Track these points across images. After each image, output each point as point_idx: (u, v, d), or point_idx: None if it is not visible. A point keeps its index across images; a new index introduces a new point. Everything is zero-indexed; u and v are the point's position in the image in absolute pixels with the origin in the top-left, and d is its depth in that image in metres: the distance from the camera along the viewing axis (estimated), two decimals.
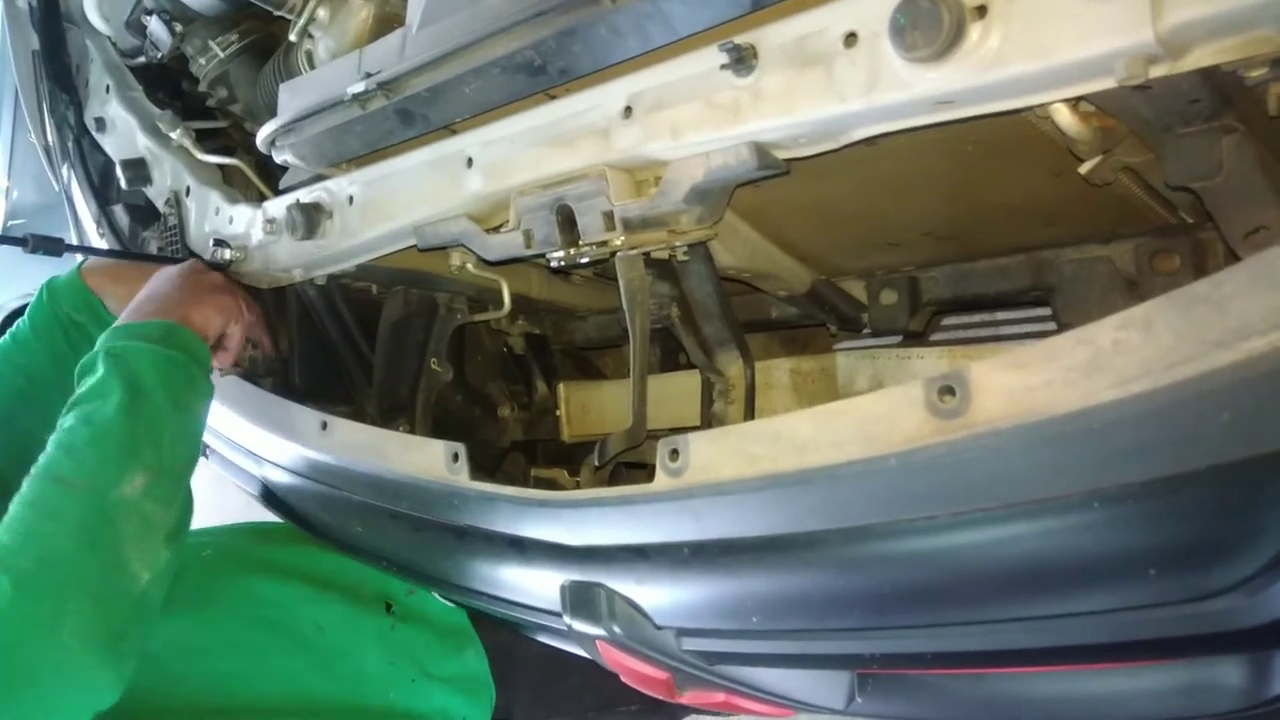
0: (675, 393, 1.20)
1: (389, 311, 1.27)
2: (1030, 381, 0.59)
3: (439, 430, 1.38)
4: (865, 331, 1.22)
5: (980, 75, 0.62)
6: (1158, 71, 0.58)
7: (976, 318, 1.25)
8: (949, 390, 0.62)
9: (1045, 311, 1.15)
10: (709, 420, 1.08)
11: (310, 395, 1.30)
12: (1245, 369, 0.52)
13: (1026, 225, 1.03)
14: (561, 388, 1.44)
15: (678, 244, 0.88)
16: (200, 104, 1.43)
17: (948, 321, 1.30)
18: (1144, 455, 0.56)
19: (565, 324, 1.51)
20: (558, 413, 1.44)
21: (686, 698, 0.94)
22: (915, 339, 1.21)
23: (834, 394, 1.12)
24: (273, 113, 1.08)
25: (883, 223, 1.06)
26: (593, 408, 1.43)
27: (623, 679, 0.93)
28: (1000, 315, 1.21)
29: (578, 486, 1.31)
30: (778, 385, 1.17)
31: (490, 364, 1.44)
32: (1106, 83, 0.59)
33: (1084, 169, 0.78)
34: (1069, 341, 0.58)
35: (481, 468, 1.45)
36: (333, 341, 1.29)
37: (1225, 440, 0.54)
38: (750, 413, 1.07)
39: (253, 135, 1.14)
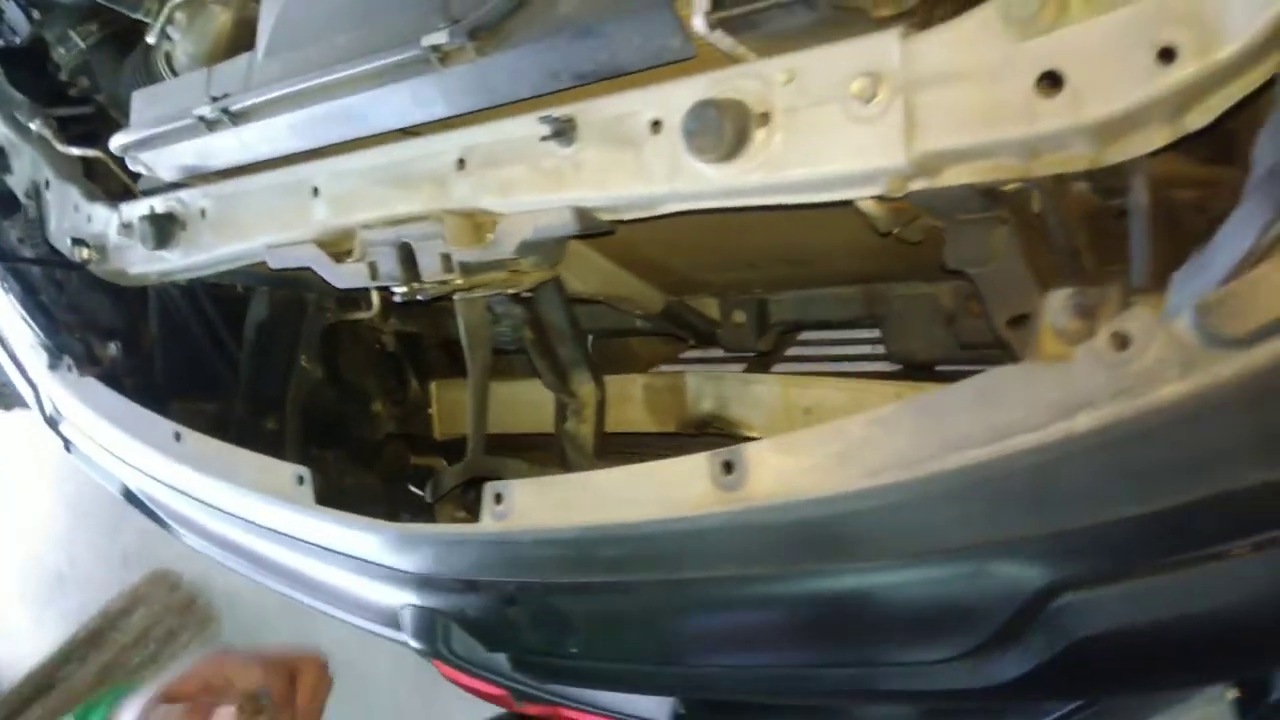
0: (535, 399, 1.24)
1: (255, 312, 1.28)
2: (798, 464, 0.65)
3: (311, 425, 1.40)
4: None
5: (764, 176, 0.66)
6: (917, 186, 0.63)
7: (822, 336, 1.31)
8: (729, 466, 0.68)
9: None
10: (567, 439, 1.12)
11: (175, 393, 1.31)
12: (966, 474, 0.58)
13: (860, 261, 1.09)
14: (434, 386, 1.47)
15: (519, 286, 0.92)
16: (66, 87, 1.39)
17: (803, 336, 1.36)
18: (883, 538, 0.63)
19: (442, 320, 1.53)
20: (430, 410, 1.47)
21: (525, 709, 1.00)
22: (764, 356, 1.27)
23: (682, 410, 1.18)
24: None
25: (731, 251, 1.11)
26: (464, 407, 1.46)
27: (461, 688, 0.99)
28: (842, 335, 1.28)
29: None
30: (632, 399, 1.22)
31: (363, 360, 1.46)
32: (875, 190, 0.64)
33: (893, 230, 0.84)
34: (830, 431, 0.64)
35: (358, 460, 1.49)
36: (198, 339, 1.30)
37: (950, 531, 0.60)
38: (600, 431, 1.12)
39: (118, 125, 1.13)
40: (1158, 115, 0.54)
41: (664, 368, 1.42)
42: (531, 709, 1.00)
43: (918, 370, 1.16)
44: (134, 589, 3.60)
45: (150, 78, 1.16)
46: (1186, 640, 0.55)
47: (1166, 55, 0.51)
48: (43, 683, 3.37)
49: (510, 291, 0.94)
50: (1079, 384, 0.53)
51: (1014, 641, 0.60)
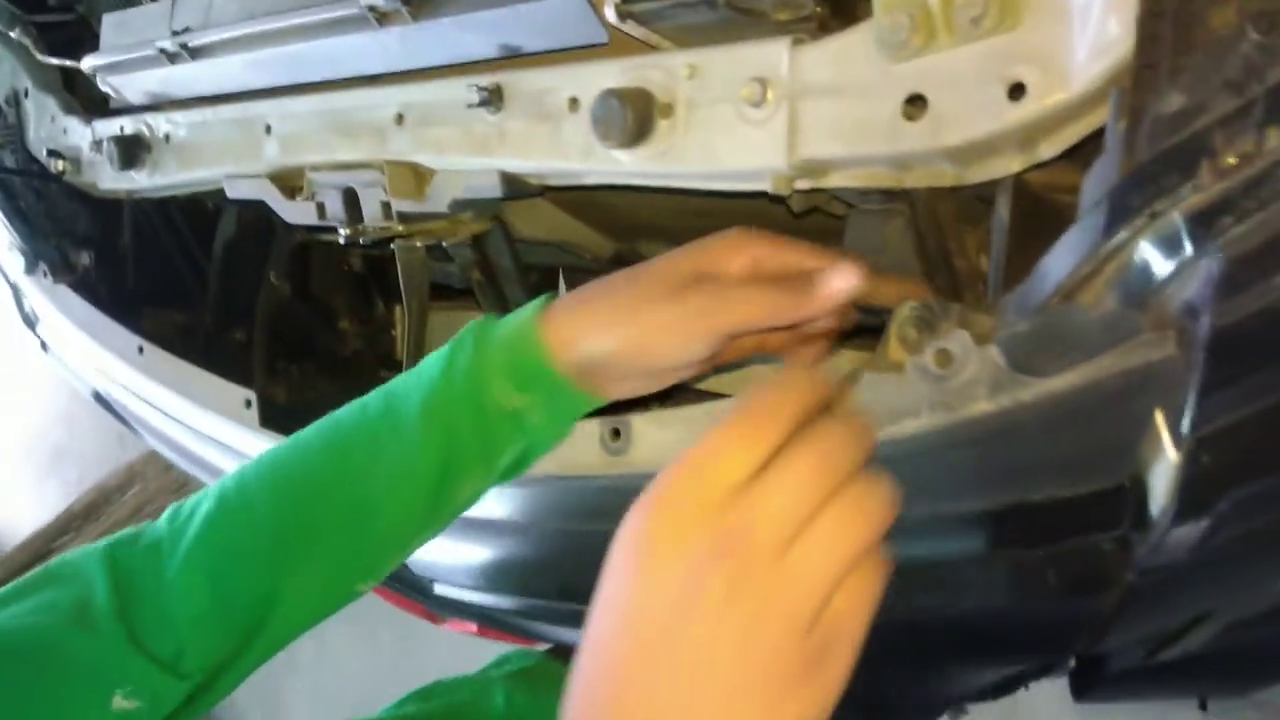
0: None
1: (223, 230, 1.32)
2: (668, 438, 0.71)
3: (278, 338, 1.46)
4: None
5: (666, 164, 0.70)
6: (803, 185, 0.67)
7: None
8: (616, 433, 0.74)
9: None
10: None
11: (147, 302, 1.37)
12: None
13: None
14: (399, 309, 1.52)
15: (457, 236, 0.96)
16: None
17: None
18: None
19: None
20: (394, 332, 1.52)
21: (448, 624, 1.08)
22: None
23: None
24: None
25: (678, 201, 1.14)
26: (433, 334, 1.51)
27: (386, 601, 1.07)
28: None
29: None
30: None
31: (331, 279, 1.50)
32: (764, 187, 0.68)
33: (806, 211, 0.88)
34: (702, 410, 0.70)
35: (329, 373, 1.55)
36: (170, 252, 1.35)
37: None
38: None
39: (98, 37, 1.16)
40: (1010, 144, 0.58)
41: None
42: (458, 626, 1.08)
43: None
44: (129, 466, 3.73)
45: None
46: (973, 631, 0.61)
47: (1017, 91, 0.55)
48: (39, 550, 3.53)
49: (450, 241, 0.98)
50: (908, 393, 0.58)
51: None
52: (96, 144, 1.17)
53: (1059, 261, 0.52)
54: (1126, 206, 0.48)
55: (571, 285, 1.48)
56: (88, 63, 1.09)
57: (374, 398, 0.69)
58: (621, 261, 1.26)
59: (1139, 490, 0.52)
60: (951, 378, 0.56)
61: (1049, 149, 0.58)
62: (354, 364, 1.55)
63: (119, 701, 0.58)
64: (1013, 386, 0.54)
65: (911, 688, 0.77)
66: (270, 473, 0.67)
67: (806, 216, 0.84)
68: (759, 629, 0.40)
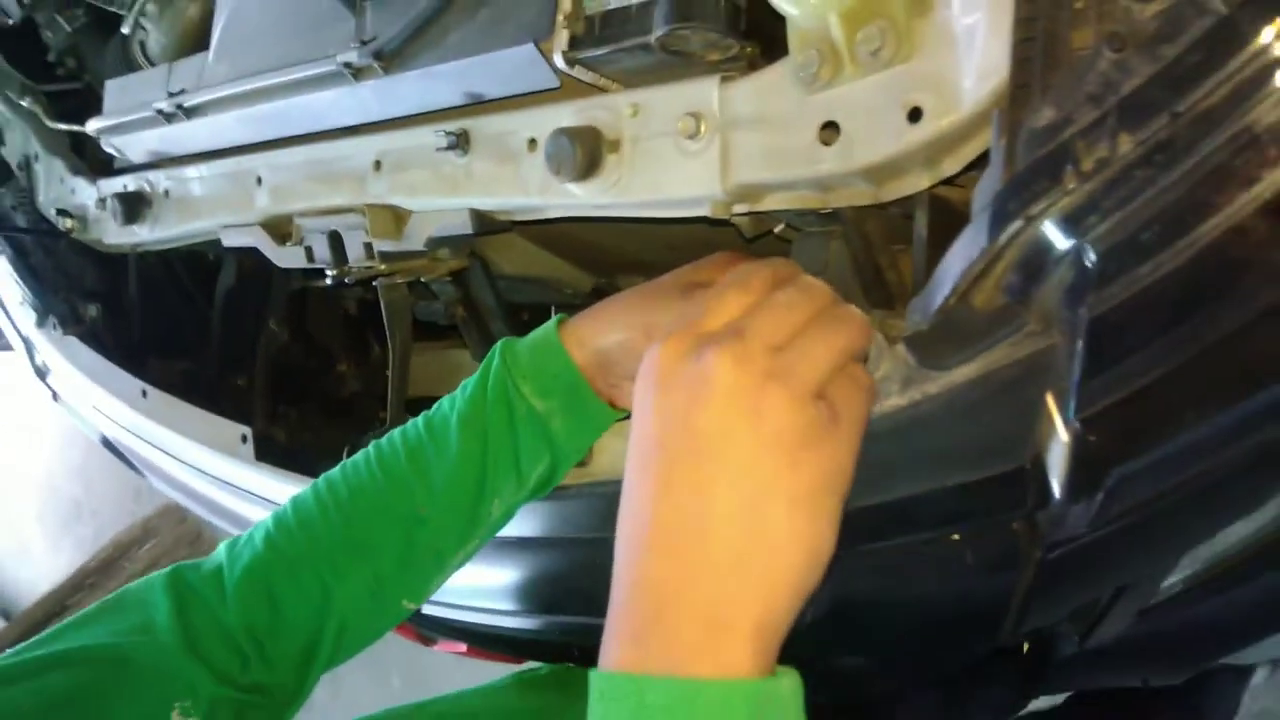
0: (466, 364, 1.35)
1: (224, 279, 1.39)
2: (620, 448, 0.76)
3: (279, 383, 1.53)
4: None
5: (616, 196, 0.76)
6: (740, 210, 0.73)
7: None
8: None
9: None
10: None
11: (152, 351, 1.43)
12: None
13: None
14: None
15: (436, 273, 1.02)
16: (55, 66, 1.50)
17: None
18: None
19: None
20: (388, 372, 1.58)
21: (439, 646, 1.12)
22: None
23: None
24: None
25: (647, 234, 1.21)
26: (424, 369, 1.57)
27: None
28: None
29: None
30: None
31: (328, 323, 1.57)
32: (705, 213, 0.74)
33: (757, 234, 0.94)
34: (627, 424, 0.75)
35: (328, 414, 1.61)
36: (173, 302, 1.42)
37: None
38: None
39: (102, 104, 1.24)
40: (916, 163, 0.64)
41: None
42: (447, 647, 1.12)
43: None
44: (145, 521, 3.79)
45: (127, 63, 1.27)
46: (894, 616, 0.66)
47: (915, 114, 0.61)
48: (53, 608, 3.58)
49: (429, 277, 1.04)
50: None
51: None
52: (101, 201, 1.24)
53: (953, 265, 0.57)
54: (1006, 212, 0.53)
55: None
56: (92, 125, 1.17)
57: (414, 422, 0.75)
58: (600, 294, 1.32)
59: (1039, 471, 0.57)
60: (870, 374, 0.61)
61: (951, 166, 0.63)
62: (352, 406, 1.61)
63: (178, 718, 0.62)
64: (921, 380, 0.59)
65: (870, 674, 0.81)
66: (323, 492, 0.73)
67: (759, 240, 0.90)
68: (766, 398, 0.47)
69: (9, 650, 0.62)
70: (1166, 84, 0.48)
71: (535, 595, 0.87)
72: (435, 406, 0.76)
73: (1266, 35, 0.46)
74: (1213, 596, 0.71)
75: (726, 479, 0.47)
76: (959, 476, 0.59)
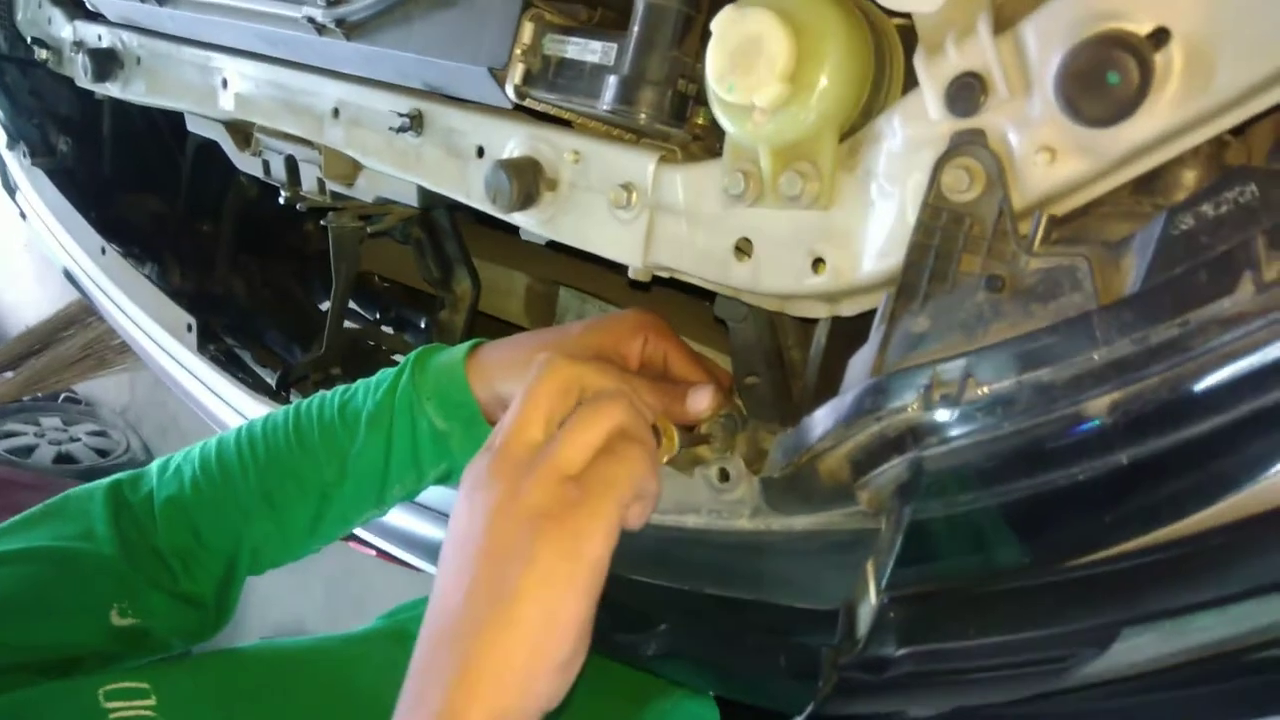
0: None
1: (195, 135, 1.39)
2: None
3: (245, 234, 1.55)
4: None
5: (548, 229, 0.77)
6: (664, 273, 0.75)
7: None
8: None
9: None
10: (437, 327, 1.27)
11: (122, 186, 1.44)
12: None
13: None
14: None
15: (388, 222, 1.04)
16: None
17: None
18: None
19: None
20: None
21: (353, 544, 1.21)
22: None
23: (550, 319, 1.32)
24: None
25: None
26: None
27: None
28: None
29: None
30: (514, 294, 1.35)
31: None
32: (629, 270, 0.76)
33: None
34: None
35: (293, 272, 1.64)
36: (146, 143, 1.42)
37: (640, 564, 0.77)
38: (469, 324, 1.27)
39: None
40: (816, 298, 0.66)
41: None
42: (358, 547, 1.22)
43: None
44: None
45: None
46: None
47: (818, 263, 0.63)
48: (36, 344, 3.70)
49: (377, 228, 1.06)
50: (694, 494, 0.68)
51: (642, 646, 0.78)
52: (77, 44, 1.22)
53: (816, 427, 0.61)
54: (863, 408, 0.57)
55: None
56: None
57: (333, 399, 0.81)
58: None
59: (851, 615, 0.63)
60: (725, 493, 0.66)
61: (850, 309, 0.66)
62: (316, 264, 1.64)
63: (116, 618, 0.71)
64: (766, 515, 0.65)
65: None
66: (244, 448, 0.80)
67: None
68: (521, 485, 0.54)
69: None
70: (1020, 354, 0.51)
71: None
72: (351, 392, 0.81)
73: (1121, 346, 0.48)
74: None
75: (483, 557, 0.53)
76: (785, 600, 0.66)
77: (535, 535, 0.52)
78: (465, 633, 0.52)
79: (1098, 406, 0.50)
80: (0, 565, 0.69)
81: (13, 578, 0.69)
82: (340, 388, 0.82)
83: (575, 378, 0.60)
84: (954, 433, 0.54)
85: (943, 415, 0.54)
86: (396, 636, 0.90)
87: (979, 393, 0.53)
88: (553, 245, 0.80)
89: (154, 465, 0.81)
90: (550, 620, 0.51)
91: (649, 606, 0.75)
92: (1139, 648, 0.56)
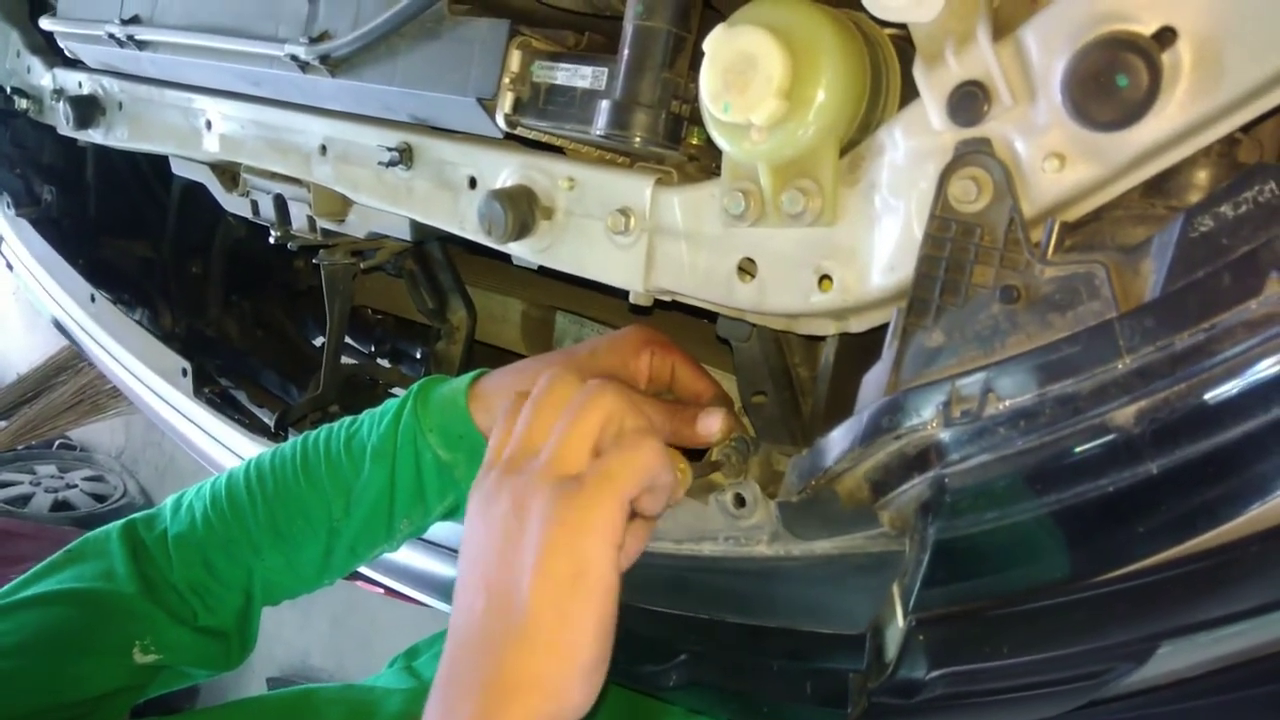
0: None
1: (180, 178, 1.37)
2: None
3: (235, 273, 1.53)
4: None
5: (545, 257, 0.76)
6: (666, 296, 0.74)
7: None
8: None
9: None
10: (434, 358, 1.26)
11: (107, 232, 1.43)
12: (667, 556, 0.72)
13: None
14: None
15: (381, 257, 1.03)
16: None
17: None
18: None
19: None
20: None
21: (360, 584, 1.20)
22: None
23: (548, 344, 1.31)
24: None
25: None
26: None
27: None
28: None
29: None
30: (510, 321, 1.34)
31: None
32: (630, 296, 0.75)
33: None
34: None
35: (284, 309, 1.62)
36: (130, 187, 1.40)
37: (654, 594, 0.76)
38: (467, 354, 1.25)
39: None
40: (824, 316, 0.65)
41: None
42: (365, 586, 1.20)
43: None
44: None
45: None
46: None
47: (824, 280, 0.61)
48: (28, 392, 3.67)
49: (370, 264, 1.05)
50: (710, 520, 0.67)
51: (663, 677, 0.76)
52: (57, 92, 1.21)
53: (833, 448, 0.59)
54: (880, 427, 0.55)
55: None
56: (45, 23, 1.12)
57: (339, 431, 0.80)
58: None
59: (878, 639, 0.62)
60: (742, 519, 0.65)
61: (859, 325, 0.64)
62: (308, 300, 1.62)
63: (139, 655, 0.73)
64: (786, 540, 0.63)
65: None
66: (253, 482, 0.79)
67: None
68: (525, 488, 0.55)
69: None
70: (1042, 366, 0.50)
71: None
72: (356, 425, 0.80)
73: (1146, 353, 0.47)
74: None
75: (494, 570, 0.54)
76: (809, 626, 0.64)
77: (539, 540, 0.52)
78: (488, 647, 0.52)
79: (1124, 416, 0.48)
80: (27, 609, 0.71)
81: (38, 621, 0.71)
82: (346, 420, 0.81)
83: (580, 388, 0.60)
84: (976, 449, 0.53)
85: (964, 432, 0.53)
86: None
87: (1000, 407, 0.51)
88: (545, 270, 0.79)
89: (168, 502, 0.81)
90: (564, 621, 0.51)
91: (669, 636, 0.73)
92: (1178, 657, 0.55)
